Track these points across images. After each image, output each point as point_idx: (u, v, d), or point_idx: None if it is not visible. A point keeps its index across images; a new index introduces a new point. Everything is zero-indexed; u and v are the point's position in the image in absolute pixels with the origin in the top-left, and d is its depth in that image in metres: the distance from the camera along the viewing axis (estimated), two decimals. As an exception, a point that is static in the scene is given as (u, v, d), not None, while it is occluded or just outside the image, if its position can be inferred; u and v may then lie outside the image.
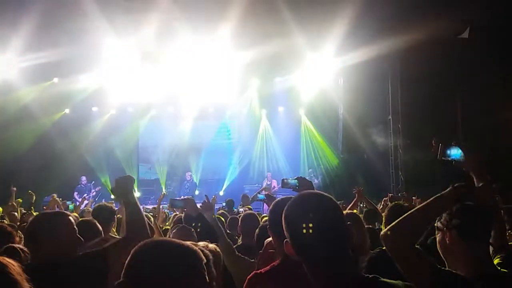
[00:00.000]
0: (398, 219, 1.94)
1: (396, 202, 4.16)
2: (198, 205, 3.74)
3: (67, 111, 14.52)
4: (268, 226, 2.30)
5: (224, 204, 10.10)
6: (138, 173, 15.63)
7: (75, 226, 2.49)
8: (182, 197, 4.14)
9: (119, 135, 15.23)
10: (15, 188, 8.09)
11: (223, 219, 5.24)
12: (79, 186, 13.84)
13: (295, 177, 3.02)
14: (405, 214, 1.95)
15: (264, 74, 13.55)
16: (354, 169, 13.22)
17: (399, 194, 9.87)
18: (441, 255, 2.18)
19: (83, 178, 13.89)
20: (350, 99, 13.42)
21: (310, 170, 14.47)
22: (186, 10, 10.14)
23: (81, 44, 11.23)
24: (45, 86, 13.28)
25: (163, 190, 14.17)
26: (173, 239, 1.56)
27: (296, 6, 9.95)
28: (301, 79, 13.75)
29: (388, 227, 1.94)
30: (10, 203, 7.43)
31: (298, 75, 13.55)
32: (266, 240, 2.71)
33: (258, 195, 6.96)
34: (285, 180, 3.09)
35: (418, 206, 2.04)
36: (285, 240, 1.63)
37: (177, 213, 6.10)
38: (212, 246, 2.31)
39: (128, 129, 15.52)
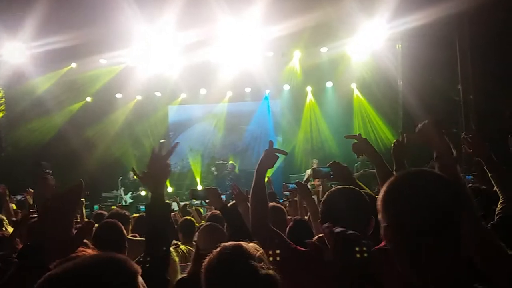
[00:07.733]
0: None
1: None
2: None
3: (88, 99, 13.65)
4: (320, 219, 2.21)
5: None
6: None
7: None
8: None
9: (146, 124, 14.49)
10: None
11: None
12: (127, 181, 13.10)
13: (328, 164, 3.04)
14: None
15: (308, 45, 11.98)
16: (417, 150, 11.45)
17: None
18: None
19: (131, 174, 12.86)
20: (410, 69, 11.81)
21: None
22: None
23: (101, 25, 10.26)
24: (61, 72, 12.35)
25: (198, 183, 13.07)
26: None
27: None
28: (352, 49, 12.17)
29: None
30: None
31: (348, 43, 11.96)
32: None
33: (289, 184, 6.38)
34: (316, 169, 3.29)
35: None
36: (384, 225, 1.41)
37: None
38: (251, 245, 1.91)
39: (156, 116, 14.81)
